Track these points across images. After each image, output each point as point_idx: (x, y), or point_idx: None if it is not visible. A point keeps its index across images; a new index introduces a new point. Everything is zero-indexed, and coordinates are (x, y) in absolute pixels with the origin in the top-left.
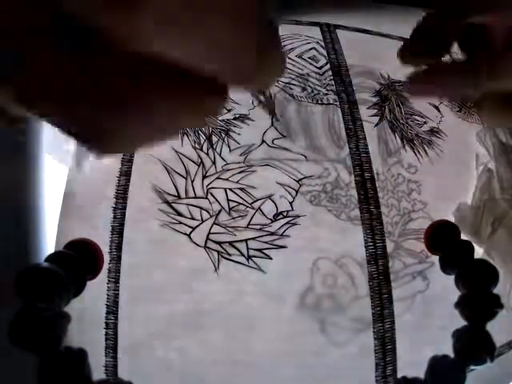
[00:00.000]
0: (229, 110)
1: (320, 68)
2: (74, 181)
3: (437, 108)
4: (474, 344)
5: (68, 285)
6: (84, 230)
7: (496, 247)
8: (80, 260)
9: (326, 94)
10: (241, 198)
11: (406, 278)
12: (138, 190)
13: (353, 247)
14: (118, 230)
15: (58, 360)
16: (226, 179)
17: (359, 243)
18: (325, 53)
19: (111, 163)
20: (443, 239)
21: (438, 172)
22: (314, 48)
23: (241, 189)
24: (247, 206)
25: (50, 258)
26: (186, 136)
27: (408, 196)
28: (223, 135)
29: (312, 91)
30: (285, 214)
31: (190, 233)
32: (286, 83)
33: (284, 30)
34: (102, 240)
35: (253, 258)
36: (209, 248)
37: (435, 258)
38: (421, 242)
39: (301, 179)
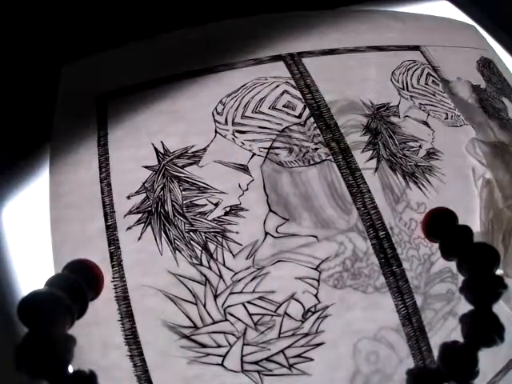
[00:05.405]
0: (216, 204)
1: (299, 116)
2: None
3: (426, 123)
4: (482, 326)
5: (70, 307)
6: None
7: None
8: (80, 280)
9: (316, 149)
10: (263, 308)
11: (438, 324)
12: (148, 331)
13: (386, 316)
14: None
15: None
16: (241, 292)
17: (391, 310)
18: (298, 94)
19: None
20: (441, 226)
21: (445, 199)
22: (286, 91)
23: (260, 298)
24: (272, 315)
25: (49, 282)
26: (178, 252)
27: (424, 240)
28: (220, 239)
29: (300, 150)
30: (313, 309)
31: (223, 361)
32: (269, 148)
33: (246, 74)
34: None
35: (295, 366)
36: (247, 371)
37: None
38: (445, 283)
39: (318, 265)
